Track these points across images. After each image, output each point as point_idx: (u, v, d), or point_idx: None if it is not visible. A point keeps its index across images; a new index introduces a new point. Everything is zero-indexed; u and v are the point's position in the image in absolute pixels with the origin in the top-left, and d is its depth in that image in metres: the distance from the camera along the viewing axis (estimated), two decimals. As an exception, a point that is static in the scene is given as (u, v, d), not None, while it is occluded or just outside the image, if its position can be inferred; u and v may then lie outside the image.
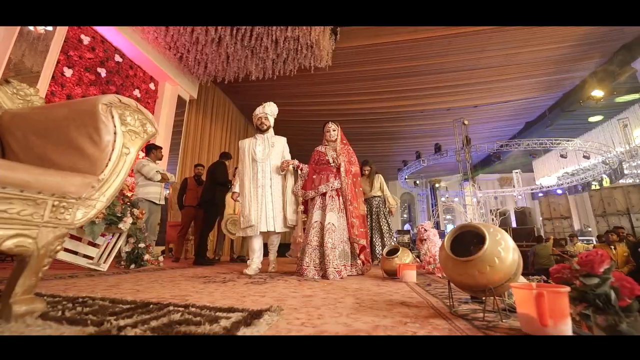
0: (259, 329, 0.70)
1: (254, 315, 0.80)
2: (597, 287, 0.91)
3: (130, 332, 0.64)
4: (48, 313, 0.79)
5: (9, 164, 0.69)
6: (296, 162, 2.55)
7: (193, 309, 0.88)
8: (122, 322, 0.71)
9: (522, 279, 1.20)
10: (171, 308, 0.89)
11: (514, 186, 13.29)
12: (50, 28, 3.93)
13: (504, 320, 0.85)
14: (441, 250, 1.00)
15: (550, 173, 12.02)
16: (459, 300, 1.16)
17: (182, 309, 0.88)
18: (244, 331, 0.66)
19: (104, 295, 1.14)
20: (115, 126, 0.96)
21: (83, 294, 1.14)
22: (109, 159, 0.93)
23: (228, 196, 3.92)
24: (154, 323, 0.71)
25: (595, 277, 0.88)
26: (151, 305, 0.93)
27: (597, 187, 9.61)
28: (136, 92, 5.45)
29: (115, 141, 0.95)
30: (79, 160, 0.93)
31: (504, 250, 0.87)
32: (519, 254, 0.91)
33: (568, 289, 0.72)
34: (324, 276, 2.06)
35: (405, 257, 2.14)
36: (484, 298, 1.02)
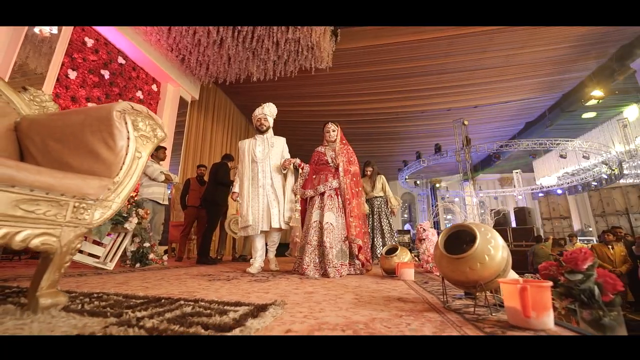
0: (265, 320, 0.76)
1: (260, 309, 0.86)
2: (582, 283, 0.97)
3: (148, 322, 0.70)
4: (69, 306, 0.86)
5: (36, 168, 0.75)
6: (298, 160, 2.60)
7: (203, 303, 0.94)
8: (139, 314, 0.77)
9: (513, 275, 1.26)
10: (182, 302, 0.95)
11: (514, 186, 13.34)
12: (55, 31, 3.99)
13: (493, 314, 0.91)
14: (436, 249, 1.06)
15: (550, 173, 12.06)
16: (453, 296, 1.22)
17: (193, 303, 0.94)
18: (251, 322, 0.72)
19: (116, 291, 1.20)
20: (128, 132, 1.02)
21: (96, 290, 1.20)
22: (123, 163, 0.99)
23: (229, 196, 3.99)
24: (168, 315, 0.77)
25: (578, 274, 0.94)
26: (163, 300, 0.99)
27: (598, 181, 9.62)
28: (139, 94, 5.52)
29: (128, 146, 1.01)
30: (95, 164, 0.99)
31: (493, 249, 0.93)
32: (508, 252, 0.97)
33: (550, 283, 0.78)
34: (324, 275, 2.12)
35: (403, 256, 2.20)
36: (477, 294, 1.08)
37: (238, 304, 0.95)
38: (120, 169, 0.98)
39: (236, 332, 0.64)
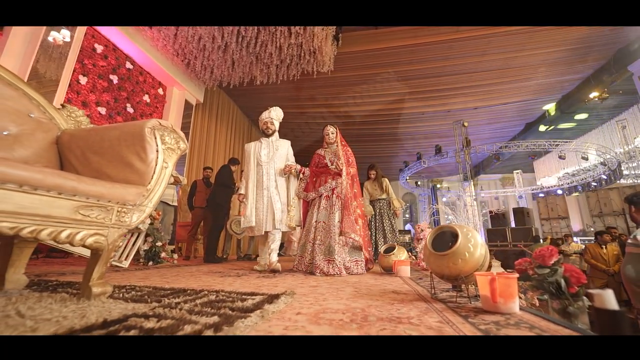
0: (279, 305, 0.92)
1: (274, 297, 1.02)
2: (550, 276, 1.13)
3: (185, 306, 0.85)
4: (112, 295, 1.01)
5: (91, 180, 0.91)
6: (298, 166, 2.74)
7: (223, 293, 1.10)
8: (174, 301, 0.93)
9: (500, 270, 1.41)
10: (206, 292, 1.11)
11: (515, 186, 13.45)
12: (68, 39, 4.16)
13: (472, 302, 1.06)
14: (425, 247, 1.21)
15: (550, 173, 12.16)
16: (441, 289, 1.37)
17: (215, 293, 1.10)
18: (268, 307, 0.87)
19: (144, 284, 1.36)
20: (157, 145, 1.17)
21: (125, 284, 1.36)
22: (154, 172, 1.15)
23: (235, 197, 4.15)
24: (199, 301, 0.93)
25: (546, 268, 1.10)
26: (188, 291, 1.15)
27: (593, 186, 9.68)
28: (146, 97, 5.69)
29: (157, 157, 1.17)
30: (130, 173, 1.14)
31: (473, 247, 1.08)
32: (486, 249, 1.12)
33: (516, 275, 0.93)
34: (322, 272, 2.25)
35: (400, 254, 2.35)
36: (461, 286, 1.23)
37: (253, 294, 1.11)
38: (152, 178, 1.14)
39: (257, 313, 0.79)
